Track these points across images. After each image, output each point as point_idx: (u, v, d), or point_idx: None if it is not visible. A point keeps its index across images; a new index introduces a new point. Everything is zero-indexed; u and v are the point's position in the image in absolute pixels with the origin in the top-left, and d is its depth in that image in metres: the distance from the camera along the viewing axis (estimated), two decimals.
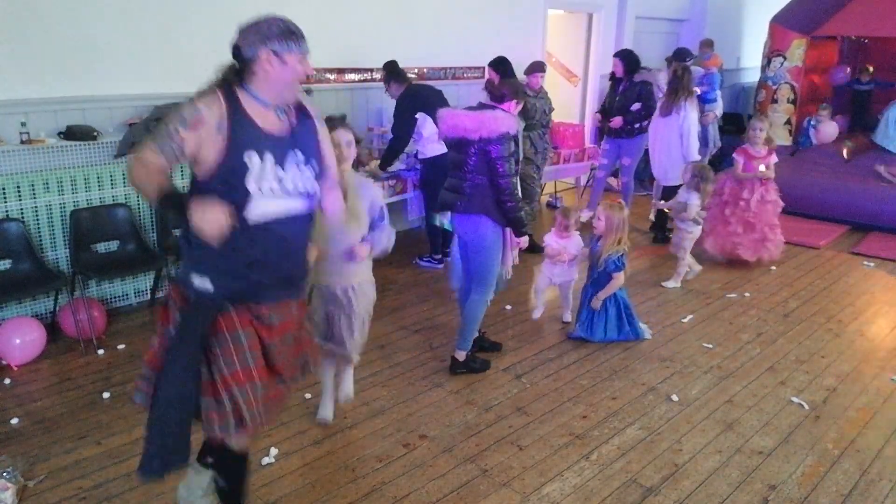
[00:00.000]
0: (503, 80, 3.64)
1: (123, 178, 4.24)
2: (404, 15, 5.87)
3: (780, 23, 8.14)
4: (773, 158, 5.30)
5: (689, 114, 5.66)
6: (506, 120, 3.27)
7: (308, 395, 3.35)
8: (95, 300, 4.10)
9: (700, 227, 4.99)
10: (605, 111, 6.30)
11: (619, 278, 3.96)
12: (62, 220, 4.04)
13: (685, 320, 4.44)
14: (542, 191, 6.47)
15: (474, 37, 6.47)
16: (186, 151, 1.85)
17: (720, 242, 5.38)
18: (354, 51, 5.55)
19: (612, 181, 6.97)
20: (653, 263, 5.48)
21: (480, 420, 3.24)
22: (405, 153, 5.37)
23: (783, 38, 8.10)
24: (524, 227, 3.48)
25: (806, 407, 3.40)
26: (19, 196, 3.87)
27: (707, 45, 8.22)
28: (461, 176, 3.37)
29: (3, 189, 3.81)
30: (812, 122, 8.20)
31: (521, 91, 3.51)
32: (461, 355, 3.64)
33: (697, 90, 6.81)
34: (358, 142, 2.79)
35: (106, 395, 3.38)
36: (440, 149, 4.48)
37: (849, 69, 8.47)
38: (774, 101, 8.23)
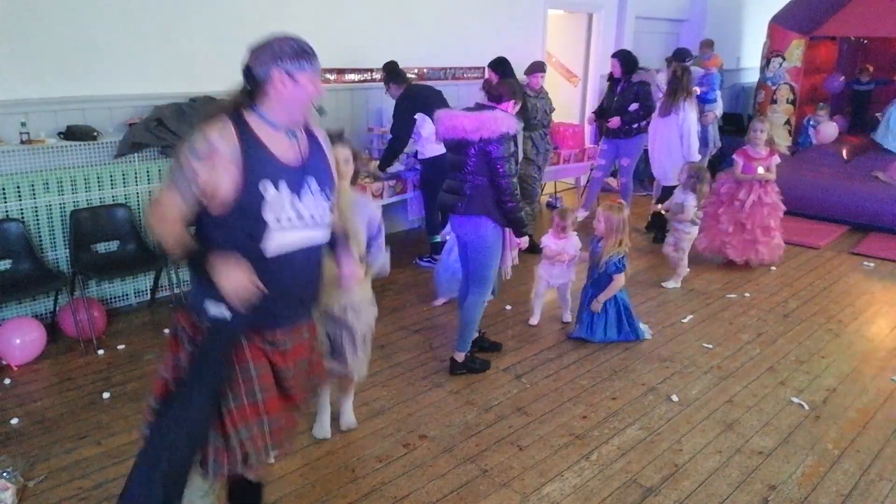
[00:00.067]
0: (501, 81, 3.64)
1: (124, 178, 4.24)
2: (404, 15, 5.88)
3: (779, 23, 8.15)
4: (775, 159, 5.27)
5: (689, 114, 5.67)
6: (506, 120, 3.27)
7: None
8: (95, 300, 4.10)
9: (697, 227, 4.99)
10: (604, 112, 6.31)
11: (620, 280, 3.96)
12: (62, 220, 4.04)
13: (685, 320, 4.44)
14: (542, 191, 6.47)
15: (474, 37, 6.47)
16: (201, 185, 1.77)
17: (709, 240, 5.37)
18: (354, 51, 5.55)
19: (612, 181, 6.97)
20: (653, 264, 5.48)
21: (480, 420, 3.24)
22: (404, 153, 5.37)
23: (782, 39, 8.10)
24: (524, 227, 3.48)
25: (806, 407, 3.40)
26: (19, 196, 3.87)
27: (707, 45, 8.23)
28: (461, 177, 3.37)
29: (3, 189, 3.81)
30: (811, 122, 8.21)
31: (518, 91, 3.50)
32: (460, 356, 3.64)
33: (697, 90, 6.81)
34: (356, 158, 2.74)
35: (106, 395, 3.38)
36: (440, 149, 4.48)
37: (843, 77, 8.49)
38: (774, 101, 8.24)
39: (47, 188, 3.96)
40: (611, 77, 6.28)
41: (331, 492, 2.69)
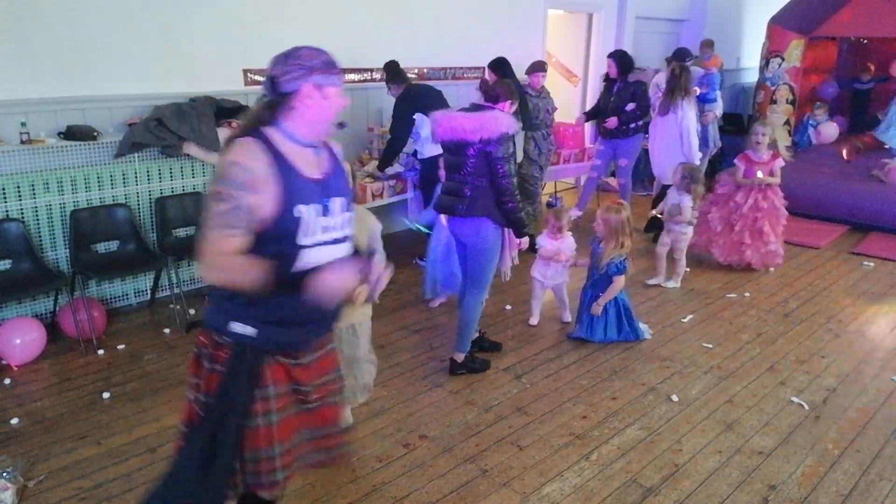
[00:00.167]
0: (497, 81, 3.63)
1: (124, 178, 4.24)
2: (404, 15, 5.88)
3: (779, 23, 8.15)
4: (779, 163, 5.21)
5: (687, 113, 5.66)
6: (505, 120, 3.27)
7: None
8: (95, 300, 4.10)
9: (692, 227, 4.99)
10: (600, 112, 6.31)
11: (620, 281, 3.96)
12: (62, 220, 4.04)
13: (685, 320, 4.44)
14: (543, 191, 6.47)
15: (474, 37, 6.47)
16: (255, 213, 1.68)
17: (697, 237, 5.33)
18: (354, 51, 5.55)
19: (612, 182, 6.96)
20: (652, 264, 5.47)
21: (480, 420, 3.24)
22: (404, 153, 5.37)
23: (781, 39, 8.10)
24: (525, 227, 3.48)
25: (806, 407, 3.40)
26: (19, 196, 3.87)
27: (707, 45, 8.22)
28: (460, 179, 3.36)
29: (3, 189, 3.81)
30: (811, 122, 8.20)
31: (515, 91, 3.49)
32: (460, 357, 3.64)
33: (697, 91, 6.81)
34: (353, 177, 2.72)
35: (106, 395, 3.38)
36: (439, 149, 4.48)
37: (837, 84, 8.50)
38: (773, 101, 8.24)
39: (47, 188, 3.96)
40: (607, 77, 6.29)
41: (331, 492, 2.69)
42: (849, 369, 3.81)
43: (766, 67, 8.27)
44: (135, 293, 4.47)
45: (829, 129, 7.92)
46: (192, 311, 4.33)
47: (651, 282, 5.04)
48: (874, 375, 3.75)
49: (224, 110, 4.52)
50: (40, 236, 3.99)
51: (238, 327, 1.80)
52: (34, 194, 3.93)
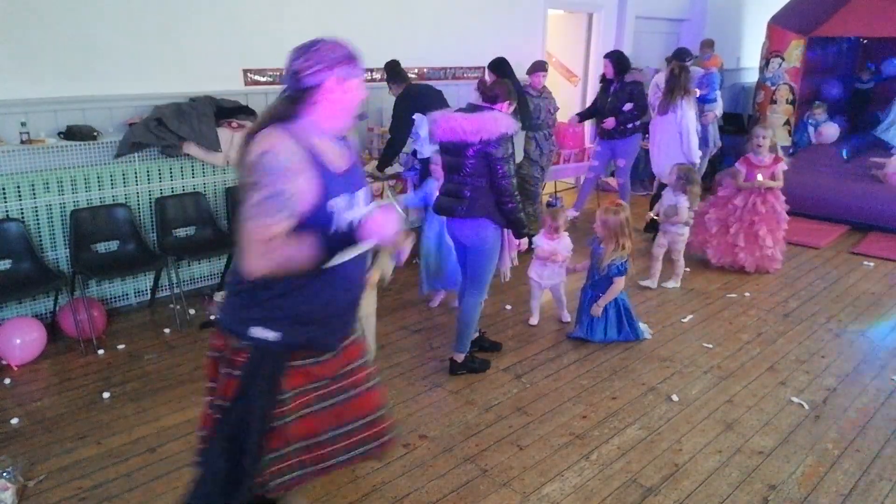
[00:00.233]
0: (496, 81, 3.62)
1: (124, 178, 4.24)
2: (404, 15, 5.88)
3: (779, 23, 8.14)
4: (781, 166, 5.18)
5: (687, 112, 5.65)
6: (504, 120, 3.27)
7: None
8: (95, 300, 4.10)
9: (688, 227, 4.98)
10: (597, 112, 6.31)
11: (620, 283, 3.96)
12: (62, 220, 4.04)
13: (685, 320, 4.44)
14: (543, 191, 6.47)
15: (474, 37, 6.47)
16: (299, 198, 1.66)
17: (692, 237, 5.30)
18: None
19: (612, 182, 6.96)
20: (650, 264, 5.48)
21: (480, 420, 3.24)
22: (404, 153, 5.37)
23: (781, 39, 8.09)
24: (524, 227, 3.48)
25: (806, 407, 3.40)
26: (19, 196, 3.87)
27: (707, 45, 8.22)
28: (459, 180, 3.35)
29: (3, 189, 3.81)
30: (811, 122, 8.20)
31: (513, 92, 3.48)
32: (460, 357, 3.64)
33: (697, 92, 6.81)
34: None
35: (106, 395, 3.38)
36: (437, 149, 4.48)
37: (839, 84, 8.50)
38: (773, 101, 8.23)
39: (47, 188, 3.96)
40: (603, 78, 6.29)
41: (331, 492, 2.69)
42: (849, 369, 3.81)
43: (766, 67, 8.26)
44: (135, 293, 4.47)
45: (829, 129, 7.91)
46: (192, 311, 4.33)
47: (644, 283, 5.00)
48: (874, 375, 3.75)
49: (224, 110, 4.52)
50: (40, 236, 3.99)
51: (259, 332, 1.78)
52: (34, 194, 3.93)
